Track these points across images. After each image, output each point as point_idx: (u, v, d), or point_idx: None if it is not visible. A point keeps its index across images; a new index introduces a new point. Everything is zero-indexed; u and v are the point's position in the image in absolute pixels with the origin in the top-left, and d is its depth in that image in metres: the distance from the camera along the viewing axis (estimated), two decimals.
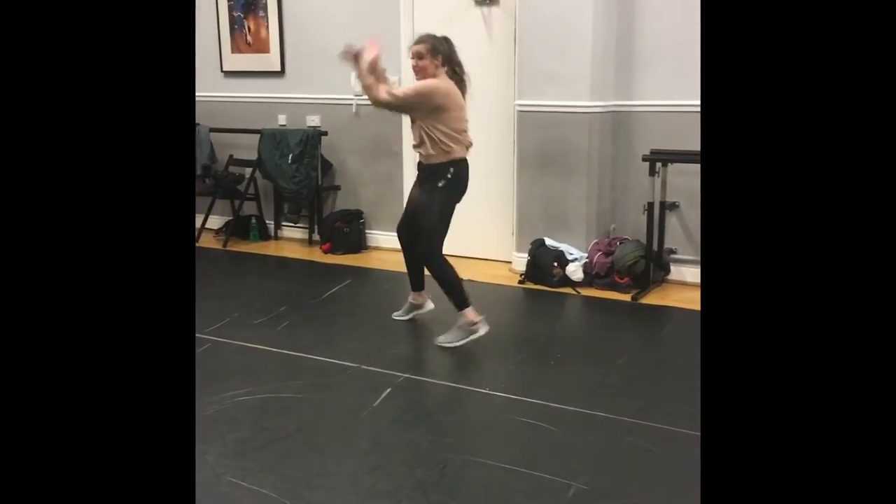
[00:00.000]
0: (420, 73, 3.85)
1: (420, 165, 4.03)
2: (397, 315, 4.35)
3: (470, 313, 3.92)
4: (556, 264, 4.99)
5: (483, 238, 5.69)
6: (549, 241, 5.11)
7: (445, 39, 3.90)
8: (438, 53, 3.82)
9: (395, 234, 4.23)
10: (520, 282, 5.12)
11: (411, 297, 4.32)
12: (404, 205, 4.28)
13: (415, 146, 4.00)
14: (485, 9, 5.38)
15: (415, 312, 4.35)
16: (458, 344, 3.90)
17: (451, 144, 3.85)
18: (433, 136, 3.81)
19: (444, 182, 3.87)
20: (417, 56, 3.82)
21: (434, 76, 3.82)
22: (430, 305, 4.34)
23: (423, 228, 3.93)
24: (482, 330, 3.93)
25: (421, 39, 3.86)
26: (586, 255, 5.03)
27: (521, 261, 5.25)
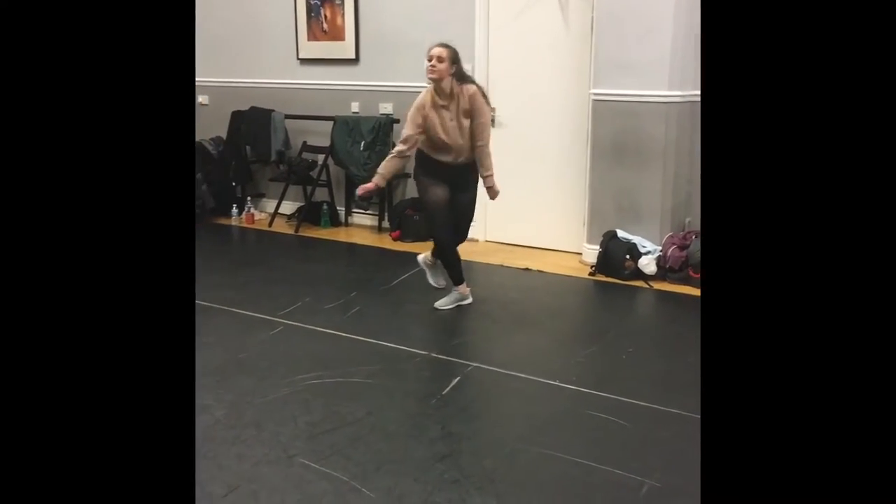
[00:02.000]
0: (436, 73, 3.97)
1: (449, 165, 4.09)
2: (441, 305, 4.35)
3: (464, 288, 4.40)
4: (628, 257, 4.90)
5: (553, 229, 5.63)
6: (621, 234, 5.02)
7: (455, 50, 4.05)
8: (455, 64, 4.00)
9: (447, 239, 4.23)
10: (590, 274, 5.04)
11: (462, 289, 4.38)
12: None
13: (450, 158, 4.08)
14: None
15: (461, 302, 4.40)
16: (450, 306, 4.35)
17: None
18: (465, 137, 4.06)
19: (476, 178, 4.23)
20: (438, 59, 3.96)
21: (444, 79, 3.99)
22: (470, 298, 4.46)
23: (469, 220, 4.31)
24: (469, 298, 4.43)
25: (443, 45, 4.01)
26: (660, 248, 4.93)
27: (591, 253, 5.17)
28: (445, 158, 4.08)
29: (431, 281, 4.52)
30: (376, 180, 4.12)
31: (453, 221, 4.21)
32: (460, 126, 4.02)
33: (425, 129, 4.03)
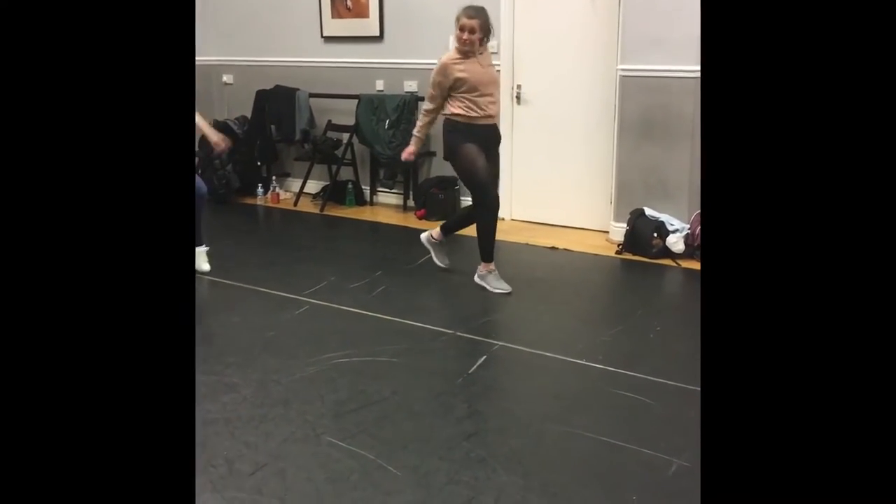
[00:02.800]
0: (469, 45, 4.04)
1: (482, 126, 4.18)
2: (501, 289, 4.29)
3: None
4: (655, 235, 4.84)
5: (580, 206, 5.58)
6: (648, 211, 4.96)
7: (486, 13, 4.14)
8: (486, 30, 4.09)
9: (496, 199, 4.27)
10: (617, 252, 5.00)
11: (491, 266, 4.36)
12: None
13: (487, 105, 4.17)
14: None
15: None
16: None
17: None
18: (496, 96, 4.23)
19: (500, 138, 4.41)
20: (471, 30, 4.02)
21: (478, 52, 4.10)
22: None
23: (497, 182, 4.44)
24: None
25: (472, 13, 4.05)
26: (688, 226, 4.86)
27: (618, 231, 5.12)
28: (481, 110, 4.13)
29: (437, 260, 4.59)
30: (416, 142, 4.33)
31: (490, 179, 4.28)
32: (487, 75, 4.16)
33: (454, 86, 4.09)
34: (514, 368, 3.34)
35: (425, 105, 4.28)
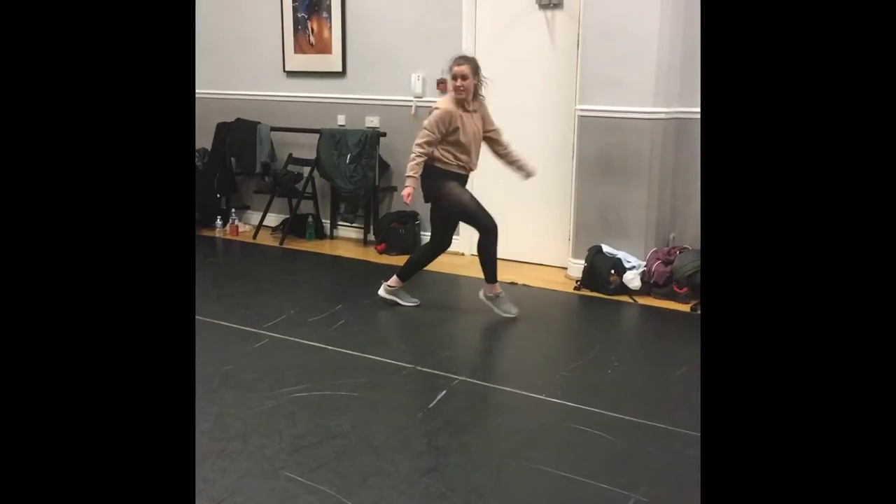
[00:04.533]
0: (464, 92, 4.18)
1: (461, 176, 4.39)
2: (509, 313, 4.43)
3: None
4: (613, 272, 4.92)
5: (539, 243, 5.65)
6: (606, 248, 5.04)
7: (475, 59, 4.33)
8: (478, 74, 4.23)
9: (495, 225, 4.37)
10: (575, 288, 5.06)
11: (497, 289, 4.48)
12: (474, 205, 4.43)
13: (469, 161, 4.36)
14: (548, 12, 5.34)
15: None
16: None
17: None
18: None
19: None
20: (462, 76, 4.16)
21: (474, 95, 4.26)
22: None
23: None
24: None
25: (462, 61, 4.22)
26: (645, 263, 4.96)
27: (577, 267, 5.19)
28: (463, 164, 4.30)
29: (406, 302, 4.62)
30: (412, 183, 4.26)
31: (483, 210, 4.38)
32: (476, 132, 4.32)
33: (449, 133, 4.22)
34: (474, 403, 3.36)
35: (420, 147, 4.24)
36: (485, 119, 4.38)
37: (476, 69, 4.22)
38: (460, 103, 4.22)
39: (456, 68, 4.19)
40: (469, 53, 4.40)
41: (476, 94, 4.28)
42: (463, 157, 4.28)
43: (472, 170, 4.40)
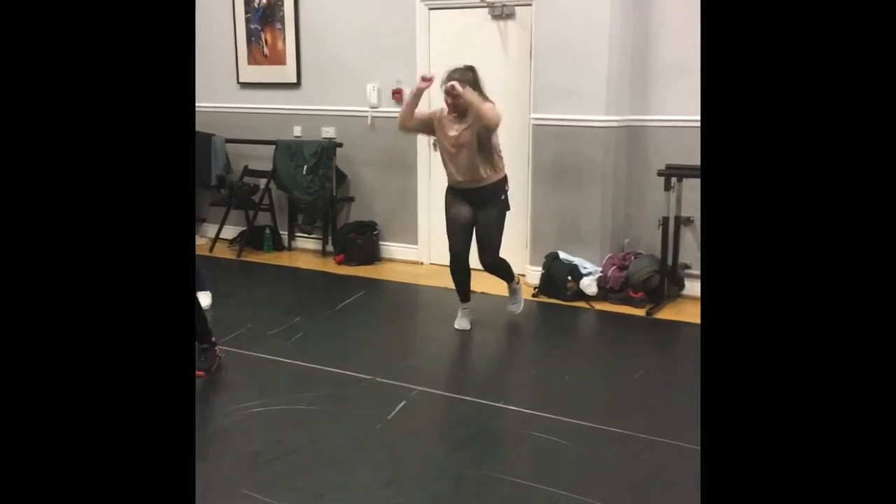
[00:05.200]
0: (454, 108, 4.08)
1: (459, 191, 4.22)
2: (462, 327, 4.43)
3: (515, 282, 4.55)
4: (570, 278, 4.98)
5: None
6: (563, 255, 5.10)
7: (470, 69, 4.15)
8: (476, 84, 4.08)
9: (452, 251, 4.32)
10: (533, 295, 5.11)
11: (468, 307, 4.48)
12: (450, 225, 4.35)
13: (449, 174, 4.24)
14: (501, 23, 5.40)
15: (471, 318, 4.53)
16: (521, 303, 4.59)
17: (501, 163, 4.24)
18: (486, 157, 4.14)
19: (504, 195, 4.25)
20: (452, 92, 4.02)
21: (467, 109, 4.04)
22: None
23: (494, 239, 4.26)
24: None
25: (452, 76, 4.07)
26: (601, 269, 5.02)
27: (534, 274, 5.24)
28: (448, 174, 4.22)
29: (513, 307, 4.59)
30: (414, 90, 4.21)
31: (466, 238, 4.29)
32: (456, 146, 4.10)
33: (431, 129, 4.22)
34: (433, 413, 3.37)
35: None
36: (480, 135, 4.08)
37: (472, 81, 4.06)
38: (451, 117, 4.13)
39: (448, 83, 4.05)
40: (464, 64, 4.18)
41: (469, 110, 4.04)
42: (445, 168, 4.24)
43: (456, 183, 4.20)
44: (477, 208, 4.22)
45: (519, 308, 4.60)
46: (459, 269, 4.36)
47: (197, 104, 6.69)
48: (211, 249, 6.44)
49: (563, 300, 4.96)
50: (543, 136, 5.16)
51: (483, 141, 4.06)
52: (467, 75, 4.09)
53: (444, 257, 5.87)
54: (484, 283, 5.35)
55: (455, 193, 4.25)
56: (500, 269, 4.44)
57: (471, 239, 4.31)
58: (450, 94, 4.03)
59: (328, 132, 6.21)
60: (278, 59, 6.32)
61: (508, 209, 4.30)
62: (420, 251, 6.01)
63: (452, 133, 4.11)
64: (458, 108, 4.07)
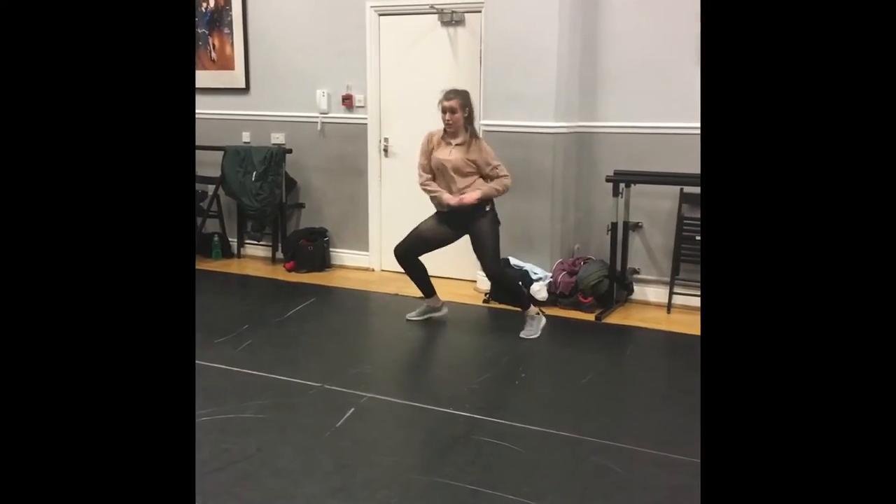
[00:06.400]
0: (453, 125, 4.23)
1: (446, 210, 4.36)
2: (412, 316, 4.61)
3: (532, 309, 4.48)
4: (520, 283, 4.99)
5: (447, 257, 5.65)
6: (513, 261, 5.12)
7: (466, 92, 4.34)
8: (467, 107, 4.26)
9: (399, 257, 4.51)
10: (484, 301, 5.11)
11: (431, 302, 4.65)
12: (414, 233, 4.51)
13: (444, 178, 4.35)
14: (451, 29, 5.41)
15: (431, 314, 4.67)
16: (539, 333, 4.40)
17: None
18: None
19: (490, 206, 4.37)
20: (451, 111, 4.20)
21: (463, 127, 4.27)
22: (445, 310, 4.71)
23: (489, 245, 4.35)
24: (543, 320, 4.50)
25: (451, 95, 4.23)
26: (550, 274, 5.05)
27: (485, 280, 5.24)
28: (447, 195, 4.30)
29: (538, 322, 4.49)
30: (445, 198, 4.30)
31: (418, 246, 4.48)
32: (453, 165, 4.25)
33: (430, 158, 4.35)
34: (382, 420, 3.34)
35: (419, 177, 4.40)
36: (477, 158, 4.27)
37: (465, 103, 4.24)
38: (446, 134, 4.29)
39: (445, 103, 4.22)
40: (459, 87, 4.37)
41: (466, 129, 4.27)
42: (439, 192, 4.32)
43: (442, 207, 4.34)
44: (464, 228, 4.37)
45: (529, 335, 4.40)
46: (401, 257, 4.53)
47: None
48: None
49: (513, 306, 4.97)
50: (493, 142, 5.14)
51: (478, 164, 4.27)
52: (463, 97, 4.26)
53: (396, 264, 5.88)
54: (437, 288, 5.35)
55: (439, 217, 4.42)
56: (506, 284, 4.51)
57: (423, 251, 4.49)
58: (445, 111, 4.22)
59: (278, 138, 6.15)
60: (226, 63, 6.25)
61: (499, 223, 4.41)
62: (371, 258, 5.98)
63: (450, 158, 4.27)
64: (453, 129, 4.25)
